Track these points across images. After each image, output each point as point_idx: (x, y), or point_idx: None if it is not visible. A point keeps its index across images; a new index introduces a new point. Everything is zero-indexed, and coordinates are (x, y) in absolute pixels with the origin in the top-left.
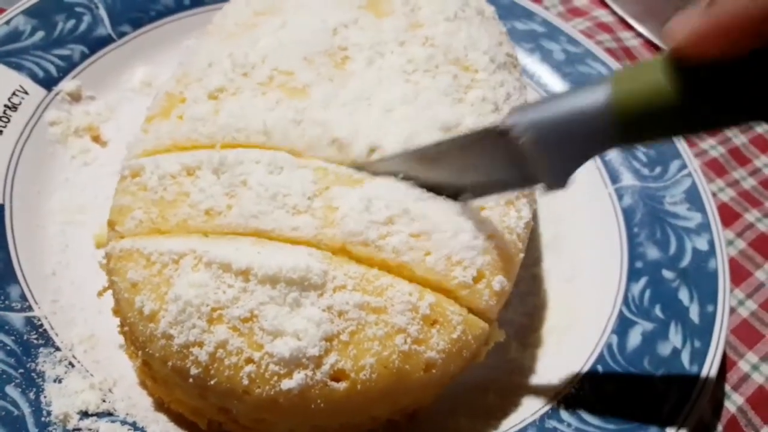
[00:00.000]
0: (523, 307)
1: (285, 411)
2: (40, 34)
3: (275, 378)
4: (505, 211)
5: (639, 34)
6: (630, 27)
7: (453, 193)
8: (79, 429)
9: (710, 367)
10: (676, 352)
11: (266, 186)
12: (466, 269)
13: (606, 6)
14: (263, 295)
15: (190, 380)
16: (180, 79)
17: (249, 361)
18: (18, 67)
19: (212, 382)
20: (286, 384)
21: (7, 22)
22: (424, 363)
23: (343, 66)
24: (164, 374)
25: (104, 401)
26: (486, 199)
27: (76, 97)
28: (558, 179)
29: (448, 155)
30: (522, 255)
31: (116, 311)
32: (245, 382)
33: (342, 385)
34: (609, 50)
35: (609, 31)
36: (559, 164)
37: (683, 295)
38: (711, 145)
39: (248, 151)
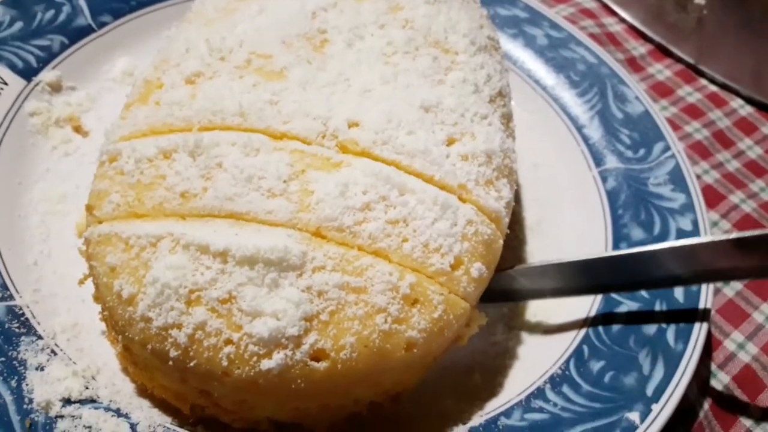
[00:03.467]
0: None
1: (265, 392)
2: (18, 25)
3: (254, 358)
4: (485, 191)
5: (622, 20)
6: (613, 12)
7: None
8: (62, 416)
9: (695, 346)
10: (661, 331)
11: (241, 168)
12: (443, 256)
13: None
14: (241, 276)
15: (170, 363)
16: (158, 65)
17: (228, 342)
18: None
19: (192, 364)
20: (266, 364)
21: None
22: (405, 342)
23: (321, 49)
24: (144, 358)
25: (87, 388)
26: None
27: (56, 88)
28: None
29: None
30: (501, 241)
31: (96, 297)
32: (224, 363)
33: (322, 365)
34: (592, 35)
35: (592, 17)
36: None
37: None
38: (695, 128)
39: (224, 134)
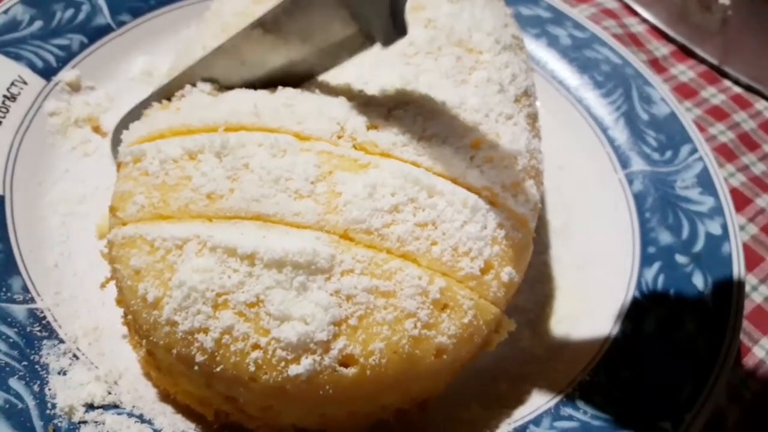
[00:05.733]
0: (534, 296)
1: (293, 398)
2: (38, 24)
3: (282, 364)
4: (511, 194)
5: (644, 20)
6: (635, 13)
7: (304, 71)
8: (85, 422)
9: (726, 353)
10: (691, 338)
11: (269, 169)
12: (473, 260)
13: None
14: (269, 279)
15: (196, 368)
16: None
17: (256, 346)
18: (17, 57)
19: (218, 369)
20: (294, 370)
21: (5, 12)
22: (435, 348)
23: None
24: (169, 363)
25: (110, 393)
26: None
27: (75, 87)
28: (387, 22)
29: (283, 21)
30: (531, 246)
31: (119, 300)
32: (252, 368)
33: (351, 371)
34: (615, 36)
35: (614, 17)
36: (379, 1)
37: (697, 279)
38: (720, 130)
39: (251, 134)
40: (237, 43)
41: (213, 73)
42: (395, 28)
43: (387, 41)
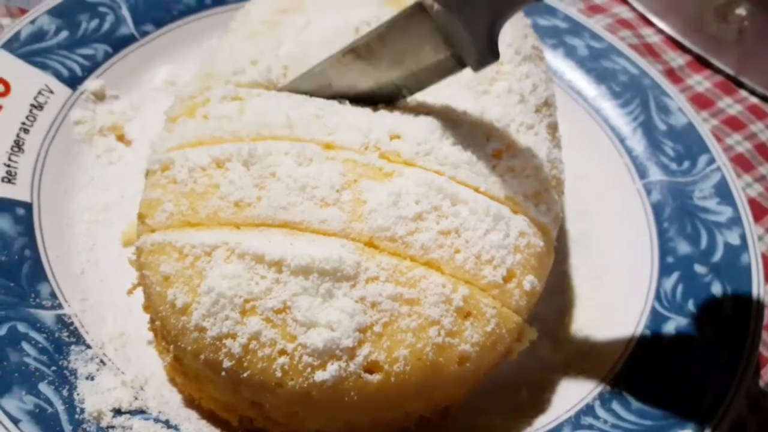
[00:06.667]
0: (553, 304)
1: (318, 404)
2: (64, 34)
3: (309, 370)
4: (533, 203)
5: (660, 31)
6: (650, 23)
7: (390, 93)
8: (113, 426)
9: (746, 363)
10: (711, 348)
11: (295, 177)
12: (496, 268)
13: (626, 2)
14: (296, 286)
15: (223, 373)
16: (203, 78)
17: (282, 352)
18: (43, 67)
19: (245, 375)
20: (320, 376)
21: (32, 22)
22: (458, 356)
23: None
24: (196, 368)
25: (136, 399)
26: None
27: (100, 96)
28: (482, 47)
29: (375, 46)
30: (553, 255)
31: (147, 307)
32: (278, 374)
33: (376, 378)
34: (631, 46)
35: (630, 27)
36: (477, 27)
37: (716, 289)
38: (737, 140)
39: (277, 143)
40: (326, 68)
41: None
42: (491, 54)
43: (479, 66)
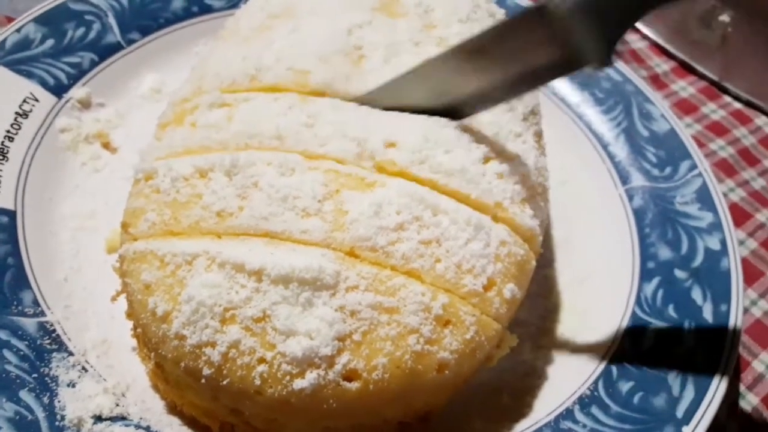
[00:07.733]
0: (535, 309)
1: (297, 411)
2: (50, 42)
3: (287, 378)
4: (520, 209)
5: (645, 37)
6: (636, 30)
7: (502, 93)
8: None
9: (725, 367)
10: (690, 352)
11: (277, 188)
12: (476, 277)
13: None
14: (276, 295)
15: (203, 381)
16: (192, 84)
17: (261, 360)
18: (28, 75)
19: (225, 383)
20: (299, 384)
21: (18, 30)
22: (437, 363)
23: (359, 63)
24: (177, 376)
25: (118, 405)
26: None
27: (86, 104)
28: (603, 53)
29: (491, 45)
30: (534, 262)
31: (129, 314)
32: (257, 382)
33: (354, 385)
34: (615, 52)
35: None
36: (602, 33)
37: (696, 294)
38: (720, 145)
39: (260, 153)
40: (428, 70)
41: (395, 96)
42: (606, 58)
43: (596, 69)
